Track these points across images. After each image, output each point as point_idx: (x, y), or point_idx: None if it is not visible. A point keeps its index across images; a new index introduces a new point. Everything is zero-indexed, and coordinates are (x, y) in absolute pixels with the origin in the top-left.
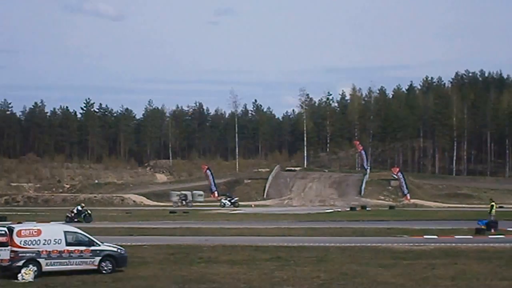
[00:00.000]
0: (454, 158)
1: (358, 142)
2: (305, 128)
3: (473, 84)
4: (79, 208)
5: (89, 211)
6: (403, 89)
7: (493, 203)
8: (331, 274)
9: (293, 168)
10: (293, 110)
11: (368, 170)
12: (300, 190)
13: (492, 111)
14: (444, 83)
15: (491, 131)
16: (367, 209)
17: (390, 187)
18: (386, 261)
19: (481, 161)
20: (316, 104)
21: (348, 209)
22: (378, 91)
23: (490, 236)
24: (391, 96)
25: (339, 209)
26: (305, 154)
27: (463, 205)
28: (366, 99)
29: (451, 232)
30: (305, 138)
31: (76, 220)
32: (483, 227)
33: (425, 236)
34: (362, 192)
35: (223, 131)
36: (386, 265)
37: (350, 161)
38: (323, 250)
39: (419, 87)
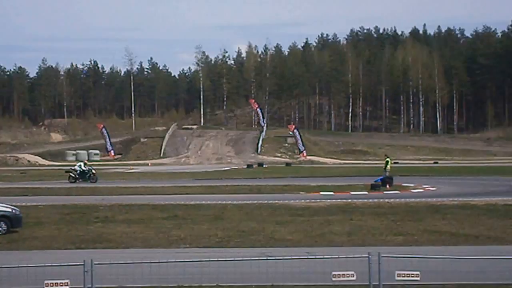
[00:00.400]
0: (350, 114)
1: (253, 100)
2: (201, 86)
3: (368, 41)
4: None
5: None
6: (299, 46)
7: (388, 159)
8: (228, 231)
9: (190, 126)
10: (189, 67)
11: (265, 128)
12: (197, 148)
13: (387, 68)
14: (339, 40)
15: (386, 88)
16: (264, 166)
17: (286, 144)
18: (283, 218)
19: (376, 118)
20: (212, 62)
21: (245, 166)
22: (274, 49)
23: (385, 192)
24: (287, 54)
25: (236, 167)
26: (202, 112)
27: (359, 161)
28: (262, 56)
29: (347, 188)
30: (201, 96)
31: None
32: (378, 183)
33: (321, 193)
34: (259, 150)
35: (119, 89)
36: (283, 222)
37: (247, 118)
38: (220, 208)
39: (314, 44)
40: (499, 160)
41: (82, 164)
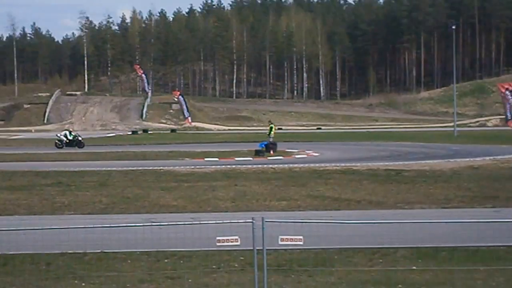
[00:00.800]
0: (234, 81)
1: (138, 66)
2: (85, 52)
3: (252, 8)
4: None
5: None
6: (184, 12)
7: (272, 125)
8: (113, 198)
9: (74, 93)
10: (73, 33)
11: (150, 94)
12: (81, 115)
13: (271, 35)
14: (224, 7)
15: (270, 54)
16: (149, 132)
17: (171, 111)
18: (168, 184)
19: (260, 84)
20: (97, 27)
21: (130, 132)
22: (158, 14)
23: (269, 158)
24: (171, 20)
25: (121, 133)
26: (86, 78)
27: (243, 128)
28: (146, 22)
29: (232, 154)
30: (85, 62)
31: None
32: (262, 148)
33: (206, 159)
34: (144, 116)
35: (1, 55)
36: (168, 188)
37: (132, 85)
38: (105, 175)
39: (199, 10)
40: (380, 126)
41: (67, 133)
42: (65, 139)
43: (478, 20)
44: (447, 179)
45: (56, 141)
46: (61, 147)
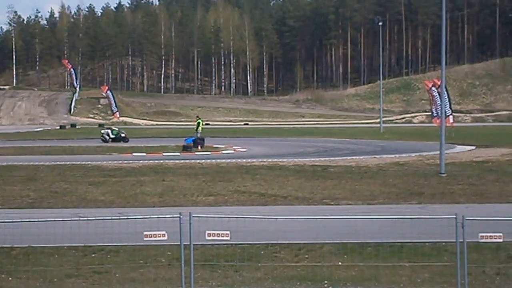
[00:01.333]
0: (162, 76)
1: (67, 61)
2: (13, 46)
3: (181, 2)
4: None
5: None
6: (112, 7)
7: (199, 121)
8: (40, 192)
9: (1, 87)
10: (1, 27)
11: (78, 89)
12: (9, 109)
13: (199, 30)
14: (152, 2)
15: (198, 50)
16: (77, 127)
17: (99, 105)
18: (96, 179)
19: (188, 80)
20: (25, 22)
21: (58, 127)
22: (87, 9)
23: (196, 153)
24: (100, 14)
25: (49, 128)
26: (14, 73)
27: (171, 123)
28: (75, 17)
29: (159, 149)
30: (14, 56)
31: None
32: (190, 144)
33: (133, 154)
34: (72, 111)
35: None
36: (95, 182)
37: (60, 79)
38: (33, 169)
39: (127, 5)
40: (307, 122)
41: (109, 131)
42: (107, 137)
43: (404, 17)
44: (373, 175)
45: (101, 137)
46: (107, 142)
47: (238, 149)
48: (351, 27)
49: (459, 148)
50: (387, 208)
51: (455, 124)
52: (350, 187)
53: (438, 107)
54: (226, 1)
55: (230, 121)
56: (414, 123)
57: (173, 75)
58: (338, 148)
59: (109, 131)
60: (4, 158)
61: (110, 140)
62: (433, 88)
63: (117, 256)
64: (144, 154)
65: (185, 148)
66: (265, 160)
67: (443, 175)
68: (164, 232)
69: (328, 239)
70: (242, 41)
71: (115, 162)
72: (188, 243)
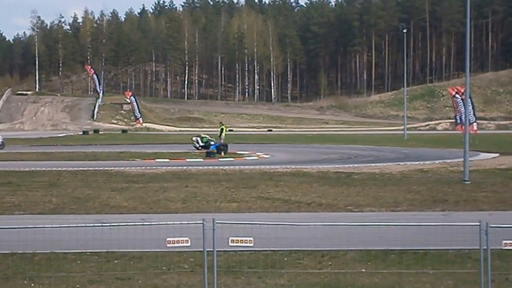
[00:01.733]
0: (186, 82)
1: (89, 66)
2: (36, 52)
3: (204, 9)
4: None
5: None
6: (136, 13)
7: (223, 127)
8: (63, 198)
9: (24, 92)
10: (24, 32)
11: (101, 94)
12: (32, 115)
13: (223, 36)
14: (176, 7)
15: (221, 56)
16: (100, 133)
17: (122, 111)
18: (119, 184)
19: (212, 86)
20: (48, 27)
21: (81, 133)
22: (110, 15)
23: (220, 159)
24: (123, 20)
25: (72, 133)
26: (37, 78)
27: (195, 129)
28: (98, 22)
29: (183, 155)
30: (37, 62)
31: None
32: (213, 150)
33: (157, 160)
34: (95, 116)
35: None
36: (118, 188)
37: (83, 85)
38: (55, 175)
39: (151, 10)
40: (331, 128)
41: (198, 139)
42: (197, 144)
43: (429, 24)
44: (397, 182)
45: (192, 144)
46: (199, 149)
47: (261, 156)
48: (375, 34)
49: (483, 155)
50: (411, 215)
51: (479, 132)
52: (374, 194)
53: (462, 114)
54: (250, 7)
55: (254, 127)
56: (438, 130)
57: (196, 81)
58: (362, 155)
59: (198, 138)
60: (26, 163)
61: (200, 147)
62: (457, 96)
63: (140, 262)
64: (167, 160)
65: (209, 154)
66: (288, 166)
67: (467, 182)
68: (187, 238)
69: (351, 246)
70: (266, 48)
71: (138, 168)
72: (211, 249)
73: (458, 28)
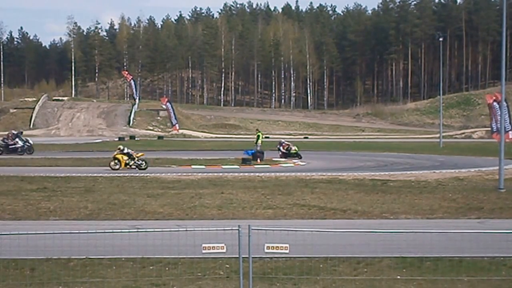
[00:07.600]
0: (222, 89)
1: (126, 72)
2: (73, 57)
3: (241, 16)
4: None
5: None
6: (172, 19)
7: (259, 134)
8: (98, 204)
9: (60, 98)
10: (61, 38)
11: (137, 100)
12: (68, 120)
13: (259, 43)
14: (213, 14)
15: (258, 63)
16: (136, 139)
17: (159, 117)
18: (154, 191)
19: (248, 93)
20: (85, 33)
21: (117, 139)
22: (147, 21)
23: (256, 166)
24: (160, 26)
25: (108, 139)
26: (73, 84)
27: (231, 135)
28: (134, 28)
29: (218, 162)
30: (73, 68)
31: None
32: (249, 157)
33: (193, 166)
34: (131, 122)
35: None
36: (154, 195)
37: (119, 91)
38: (91, 181)
39: (188, 17)
40: (367, 136)
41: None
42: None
43: (465, 33)
44: (432, 189)
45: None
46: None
47: (297, 163)
48: (411, 42)
49: None
50: (446, 222)
51: None
52: (410, 202)
53: (498, 122)
54: (286, 15)
55: (290, 134)
56: (473, 138)
57: (233, 88)
58: (398, 163)
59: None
60: (62, 169)
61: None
62: (494, 103)
63: (175, 269)
64: (203, 166)
65: (245, 161)
66: (324, 173)
67: (502, 190)
68: (222, 245)
69: (387, 253)
70: (302, 55)
71: (174, 174)
72: (247, 256)
73: (494, 37)
